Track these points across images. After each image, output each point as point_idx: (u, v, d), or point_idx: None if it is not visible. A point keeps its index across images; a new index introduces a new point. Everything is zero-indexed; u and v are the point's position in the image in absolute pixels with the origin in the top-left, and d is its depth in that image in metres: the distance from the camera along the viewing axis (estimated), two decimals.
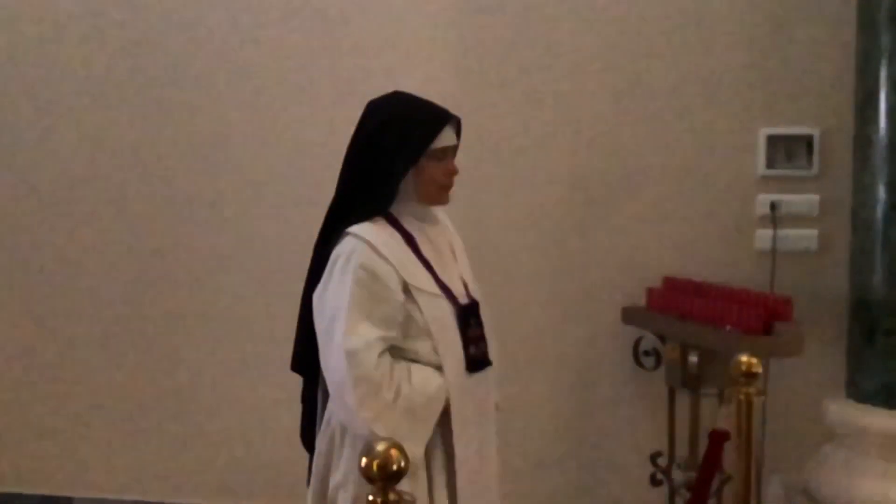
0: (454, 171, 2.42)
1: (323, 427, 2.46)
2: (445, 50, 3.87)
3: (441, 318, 2.35)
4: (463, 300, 2.42)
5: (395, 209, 2.40)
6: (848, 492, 3.12)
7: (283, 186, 4.01)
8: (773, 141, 3.70)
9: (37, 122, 4.18)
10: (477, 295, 2.50)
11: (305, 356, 2.47)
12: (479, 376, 2.41)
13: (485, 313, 2.47)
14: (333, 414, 2.40)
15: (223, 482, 4.17)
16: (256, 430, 4.09)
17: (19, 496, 4.33)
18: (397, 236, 2.37)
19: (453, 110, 2.41)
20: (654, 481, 3.62)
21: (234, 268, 4.08)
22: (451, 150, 2.41)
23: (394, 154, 2.33)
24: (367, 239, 2.31)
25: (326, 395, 2.41)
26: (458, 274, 2.48)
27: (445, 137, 2.37)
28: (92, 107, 4.13)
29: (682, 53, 3.74)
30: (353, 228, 2.33)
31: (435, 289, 2.37)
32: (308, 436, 2.57)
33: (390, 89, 2.48)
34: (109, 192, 4.15)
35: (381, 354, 2.25)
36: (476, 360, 2.40)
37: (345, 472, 2.34)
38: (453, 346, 2.36)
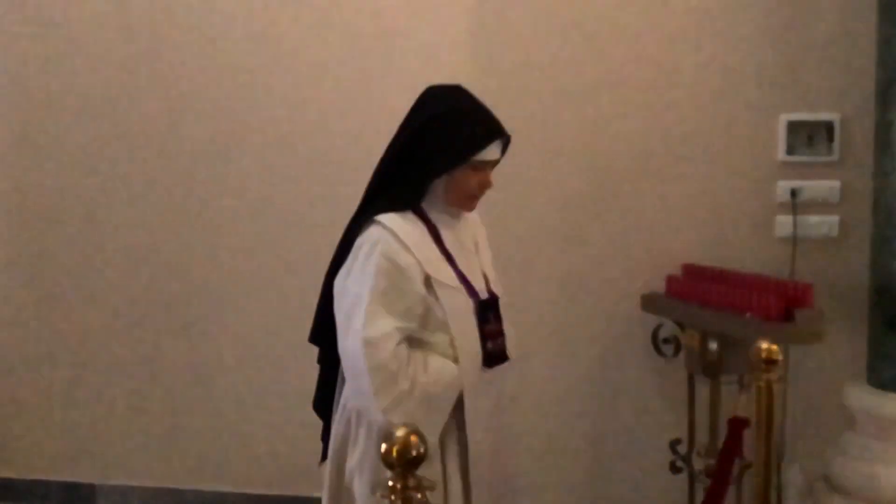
0: (488, 185, 2.42)
1: (339, 411, 2.48)
2: (464, 37, 3.86)
3: (460, 312, 2.37)
4: (483, 295, 2.43)
5: (423, 202, 2.40)
6: (869, 479, 3.11)
7: (304, 175, 4.02)
8: (793, 127, 3.67)
9: (58, 115, 4.21)
10: (498, 290, 2.51)
11: (323, 331, 2.48)
12: (496, 371, 2.43)
13: (504, 305, 2.48)
14: (349, 399, 2.42)
15: (243, 470, 4.20)
16: (276, 418, 4.11)
17: (43, 483, 4.38)
18: (422, 228, 2.38)
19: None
20: (674, 468, 3.62)
21: (255, 259, 4.11)
22: (492, 164, 2.40)
23: (435, 152, 2.32)
24: (393, 229, 2.32)
25: (343, 377, 2.43)
26: (479, 268, 2.49)
27: (491, 151, 2.35)
28: (113, 98, 4.16)
29: (703, 40, 3.71)
30: (381, 217, 2.34)
31: (456, 282, 2.38)
32: (321, 402, 2.59)
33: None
34: (131, 180, 4.18)
35: (398, 344, 2.26)
36: (493, 356, 2.42)
37: (361, 457, 2.36)
38: (471, 340, 2.38)
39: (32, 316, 4.33)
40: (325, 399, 2.57)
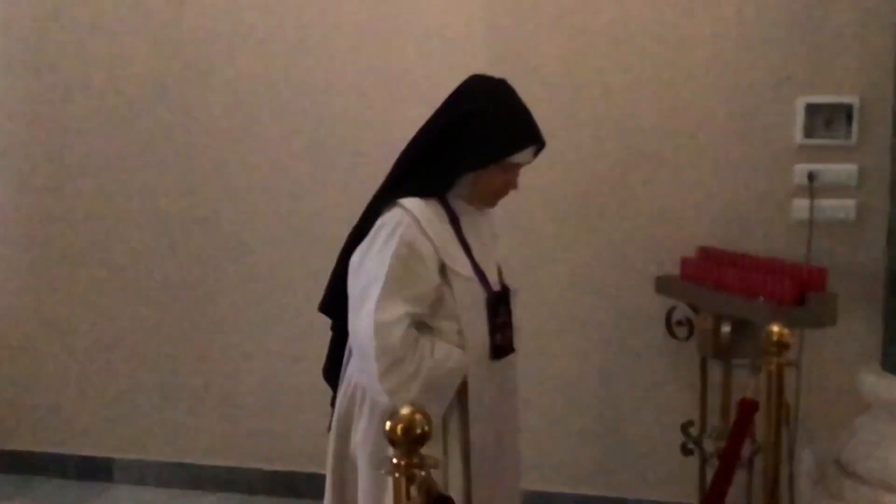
0: (514, 186, 2.44)
1: (343, 386, 2.50)
2: (481, 13, 3.85)
3: (471, 303, 2.38)
4: (496, 287, 2.43)
5: (448, 191, 2.41)
6: (882, 464, 3.09)
7: (323, 163, 4.04)
8: (811, 110, 3.64)
9: (80, 99, 4.24)
10: (510, 282, 2.52)
11: (335, 303, 2.50)
12: (502, 362, 2.44)
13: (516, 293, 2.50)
14: (354, 375, 2.43)
15: (258, 446, 4.25)
16: (291, 396, 4.15)
17: (61, 456, 4.44)
18: (444, 216, 2.39)
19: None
20: (685, 451, 3.63)
21: (270, 237, 4.14)
22: (522, 166, 2.41)
23: (469, 147, 2.32)
24: (415, 214, 2.32)
25: (350, 351, 2.45)
26: (495, 260, 2.50)
27: (524, 155, 2.37)
28: (133, 83, 4.18)
29: (721, 22, 3.68)
30: (404, 200, 2.34)
31: (470, 273, 2.39)
32: (331, 371, 2.61)
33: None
34: (154, 157, 4.21)
35: (407, 328, 2.28)
36: (500, 348, 2.43)
37: (364, 432, 2.39)
38: (479, 331, 2.39)
39: (51, 292, 4.38)
40: (334, 367, 2.59)
